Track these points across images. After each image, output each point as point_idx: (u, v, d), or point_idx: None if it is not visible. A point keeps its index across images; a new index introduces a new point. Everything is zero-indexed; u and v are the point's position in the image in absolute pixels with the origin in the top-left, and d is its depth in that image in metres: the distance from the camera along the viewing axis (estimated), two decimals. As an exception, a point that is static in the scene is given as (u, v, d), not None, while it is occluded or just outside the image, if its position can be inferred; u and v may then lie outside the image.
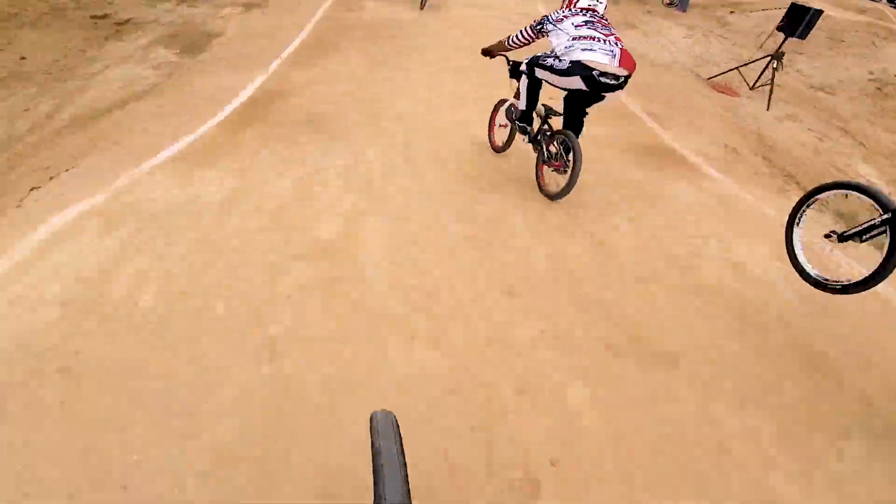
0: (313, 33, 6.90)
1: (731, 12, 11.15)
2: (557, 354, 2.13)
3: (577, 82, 2.67)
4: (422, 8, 9.01)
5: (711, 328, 2.34)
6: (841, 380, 2.14)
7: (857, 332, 2.41)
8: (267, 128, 3.99)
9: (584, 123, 3.11)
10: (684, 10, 11.26)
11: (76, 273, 2.28)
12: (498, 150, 3.86)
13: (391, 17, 8.11)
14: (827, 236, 2.18)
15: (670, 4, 11.60)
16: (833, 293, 2.13)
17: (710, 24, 10.63)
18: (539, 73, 2.91)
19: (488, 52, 3.36)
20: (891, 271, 1.91)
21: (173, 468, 1.57)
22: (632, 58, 2.71)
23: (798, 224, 2.31)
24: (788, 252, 2.32)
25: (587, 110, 3.03)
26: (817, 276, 2.21)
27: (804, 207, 2.28)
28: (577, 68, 2.63)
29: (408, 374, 1.96)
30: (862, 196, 2.03)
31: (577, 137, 3.00)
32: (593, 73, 2.60)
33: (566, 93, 2.97)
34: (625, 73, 2.63)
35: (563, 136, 2.99)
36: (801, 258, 2.28)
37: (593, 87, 2.66)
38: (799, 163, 5.46)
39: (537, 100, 3.19)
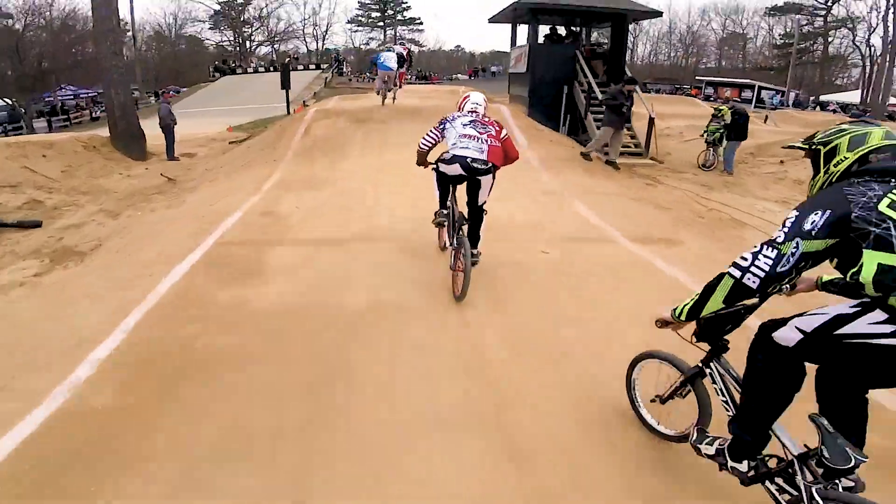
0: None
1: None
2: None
3: (457, 168, 3.55)
4: (383, 103, 10.65)
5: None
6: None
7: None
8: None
9: (482, 220, 3.75)
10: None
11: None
12: (442, 248, 4.36)
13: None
14: (653, 400, 2.26)
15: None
16: (676, 442, 2.18)
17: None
18: (440, 167, 3.67)
19: (421, 163, 3.99)
20: (708, 418, 1.97)
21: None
22: (499, 152, 3.61)
23: (634, 389, 2.40)
24: (636, 412, 2.40)
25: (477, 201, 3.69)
26: (659, 429, 2.28)
27: (632, 375, 2.39)
28: (458, 159, 3.53)
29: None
30: (662, 363, 2.19)
31: (473, 231, 3.72)
32: (467, 160, 3.51)
33: (449, 180, 3.70)
34: (489, 164, 3.51)
35: (460, 239, 3.58)
36: (646, 416, 2.36)
37: (469, 171, 3.52)
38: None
39: (446, 194, 3.82)
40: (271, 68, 34.28)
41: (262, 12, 46.42)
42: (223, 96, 27.30)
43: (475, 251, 3.74)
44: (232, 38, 47.61)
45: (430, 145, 3.85)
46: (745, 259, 1.50)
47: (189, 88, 32.62)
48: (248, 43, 47.08)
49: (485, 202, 3.70)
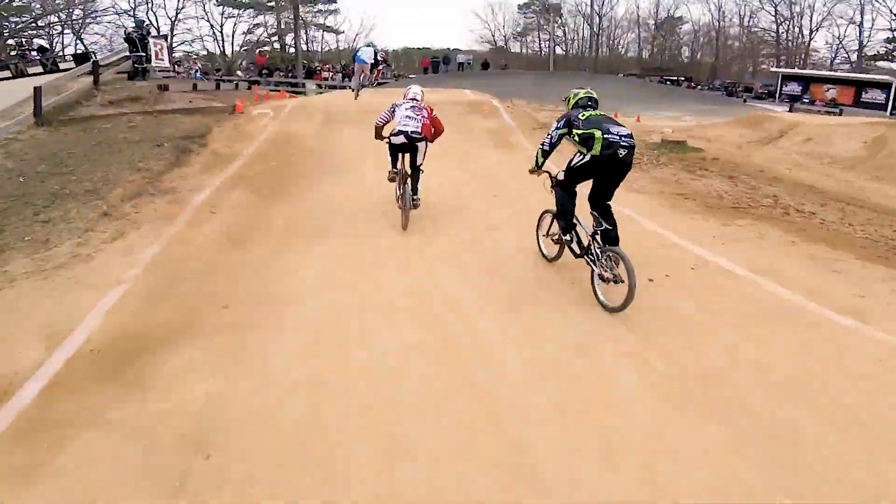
0: None
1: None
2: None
3: (402, 139, 5.31)
4: (356, 97, 12.19)
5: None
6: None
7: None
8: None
9: (419, 176, 5.51)
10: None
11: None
12: (396, 200, 5.73)
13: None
14: (545, 235, 4.67)
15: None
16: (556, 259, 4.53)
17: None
18: (391, 139, 5.39)
19: (378, 137, 5.59)
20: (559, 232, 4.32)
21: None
22: (428, 126, 5.41)
23: (538, 230, 4.77)
24: (538, 246, 4.76)
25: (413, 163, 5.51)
26: (545, 253, 4.65)
27: (538, 223, 4.79)
28: (402, 133, 5.29)
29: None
30: (547, 214, 4.63)
31: (413, 183, 5.46)
32: (408, 133, 5.28)
33: (397, 148, 5.41)
34: (422, 135, 5.32)
35: (405, 189, 5.43)
36: (542, 246, 4.72)
37: (409, 140, 5.30)
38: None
39: (395, 159, 5.48)
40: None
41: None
42: None
43: (415, 197, 5.49)
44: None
45: (384, 122, 5.54)
46: (543, 140, 4.11)
47: None
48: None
49: (421, 163, 5.48)
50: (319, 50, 33.74)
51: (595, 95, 4.09)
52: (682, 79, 32.00)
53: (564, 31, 34.91)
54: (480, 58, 32.35)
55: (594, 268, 3.82)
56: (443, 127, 5.68)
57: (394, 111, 5.50)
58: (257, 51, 28.61)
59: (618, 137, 3.63)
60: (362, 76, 12.59)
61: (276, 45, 31.35)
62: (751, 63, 32.52)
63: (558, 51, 34.85)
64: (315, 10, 32.76)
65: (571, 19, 34.95)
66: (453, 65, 30.49)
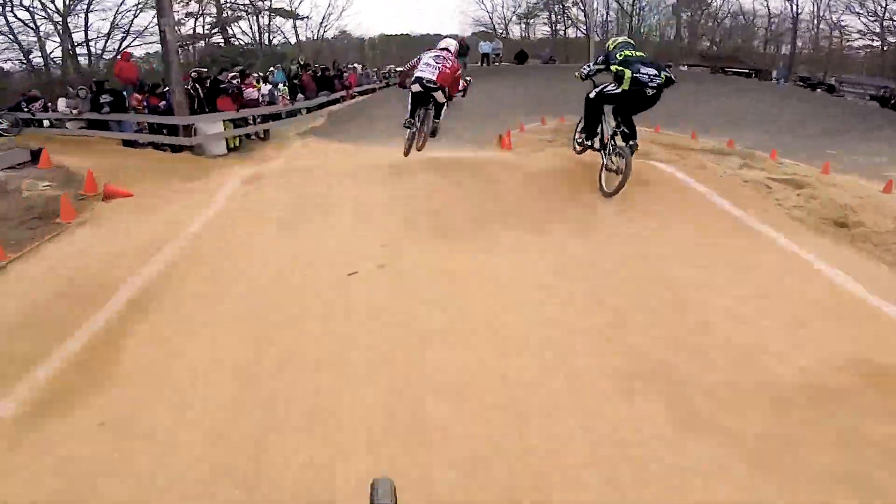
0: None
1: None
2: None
3: (417, 86, 5.50)
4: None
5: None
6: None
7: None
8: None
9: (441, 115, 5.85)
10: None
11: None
12: (405, 153, 6.30)
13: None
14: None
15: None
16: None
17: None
18: (410, 87, 5.59)
19: (401, 84, 6.07)
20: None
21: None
22: (448, 75, 5.52)
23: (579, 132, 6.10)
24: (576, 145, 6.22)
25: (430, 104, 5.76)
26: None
27: (576, 128, 6.21)
28: (418, 80, 5.49)
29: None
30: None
31: (434, 120, 5.82)
32: (423, 80, 5.45)
33: (416, 97, 5.66)
34: (437, 83, 5.44)
35: (426, 112, 5.79)
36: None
37: (424, 88, 5.48)
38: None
39: (415, 109, 5.75)
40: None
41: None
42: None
43: (437, 120, 5.80)
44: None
45: (409, 68, 5.68)
46: (582, 68, 5.52)
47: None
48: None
49: (443, 102, 5.69)
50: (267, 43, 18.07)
51: (632, 41, 5.33)
52: (752, 71, 23.37)
53: (586, 13, 24.21)
54: (510, 48, 19.18)
55: (604, 160, 5.26)
56: (458, 86, 5.78)
57: (419, 58, 5.66)
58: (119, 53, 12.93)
59: (647, 77, 4.88)
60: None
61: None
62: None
63: (571, 34, 24.14)
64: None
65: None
66: (471, 57, 17.54)
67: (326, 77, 12.55)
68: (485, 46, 18.15)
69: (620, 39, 5.30)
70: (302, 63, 13.21)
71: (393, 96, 9.79)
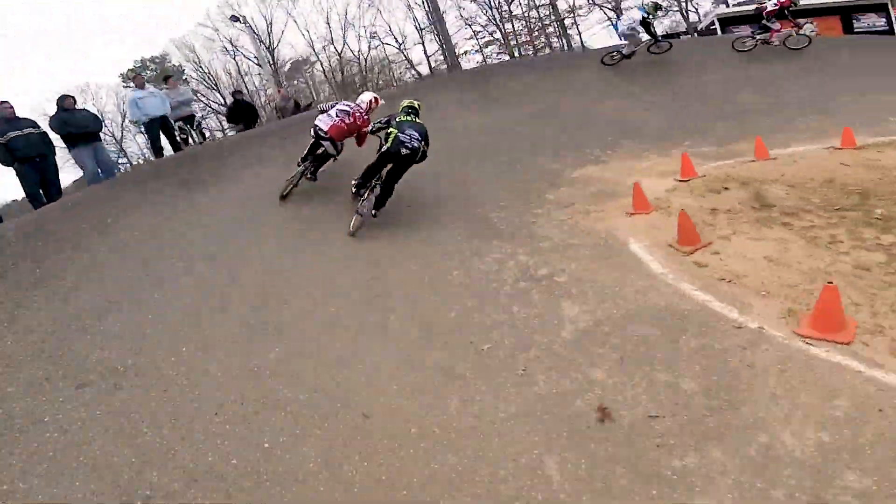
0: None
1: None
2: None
3: (311, 134, 5.66)
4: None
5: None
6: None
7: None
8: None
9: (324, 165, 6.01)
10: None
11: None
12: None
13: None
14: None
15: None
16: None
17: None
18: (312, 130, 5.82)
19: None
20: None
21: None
22: (342, 128, 5.64)
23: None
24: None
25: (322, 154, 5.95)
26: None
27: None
28: (312, 126, 5.66)
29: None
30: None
31: (314, 174, 5.92)
32: (316, 128, 5.59)
33: (315, 141, 5.79)
34: (327, 134, 5.55)
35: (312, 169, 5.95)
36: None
37: (316, 136, 5.61)
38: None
39: (310, 151, 5.88)
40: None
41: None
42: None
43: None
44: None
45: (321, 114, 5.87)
46: (374, 123, 5.78)
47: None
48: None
49: (334, 155, 5.80)
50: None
51: (416, 105, 5.65)
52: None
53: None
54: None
55: (358, 208, 5.39)
56: (364, 141, 6.00)
57: (333, 105, 5.90)
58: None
59: (407, 138, 5.22)
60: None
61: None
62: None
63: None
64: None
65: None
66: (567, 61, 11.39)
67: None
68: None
69: (405, 103, 5.82)
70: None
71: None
